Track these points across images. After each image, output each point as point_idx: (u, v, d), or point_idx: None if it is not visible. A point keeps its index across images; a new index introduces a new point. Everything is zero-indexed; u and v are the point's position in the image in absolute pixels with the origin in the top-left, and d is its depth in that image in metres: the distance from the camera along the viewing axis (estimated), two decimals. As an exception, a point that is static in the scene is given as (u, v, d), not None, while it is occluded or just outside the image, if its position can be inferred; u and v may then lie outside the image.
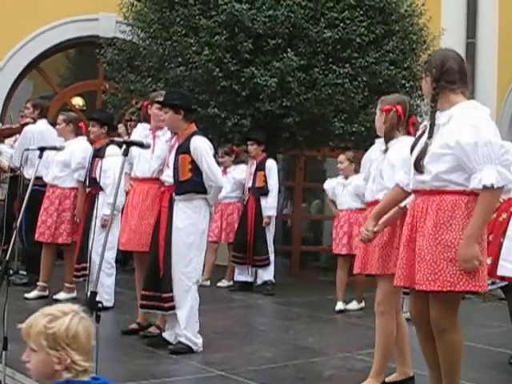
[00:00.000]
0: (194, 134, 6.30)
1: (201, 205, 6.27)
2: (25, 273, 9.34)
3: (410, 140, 5.16)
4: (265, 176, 9.94)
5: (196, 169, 6.20)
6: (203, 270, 10.08)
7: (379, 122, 5.32)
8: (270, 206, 9.93)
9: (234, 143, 10.61)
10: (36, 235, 8.44)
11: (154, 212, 6.64)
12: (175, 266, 6.21)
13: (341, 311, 8.63)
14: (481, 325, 7.68)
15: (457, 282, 4.15)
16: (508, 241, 6.02)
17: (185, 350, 6.21)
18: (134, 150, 6.73)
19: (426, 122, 4.53)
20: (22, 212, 6.46)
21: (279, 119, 10.23)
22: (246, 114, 10.17)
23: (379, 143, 5.39)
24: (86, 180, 8.18)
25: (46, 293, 8.46)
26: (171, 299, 6.25)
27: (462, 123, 4.22)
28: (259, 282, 10.00)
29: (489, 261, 6.01)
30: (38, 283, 8.51)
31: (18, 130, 9.55)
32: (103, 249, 4.52)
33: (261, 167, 9.99)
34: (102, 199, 7.64)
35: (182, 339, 6.26)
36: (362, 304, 8.78)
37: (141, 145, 5.22)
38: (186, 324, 6.23)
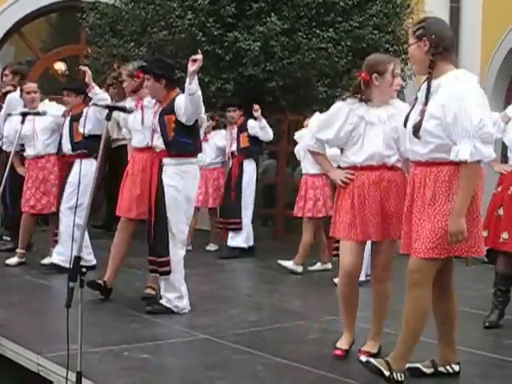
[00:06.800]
0: (177, 95, 6.33)
1: (189, 170, 6.31)
2: (9, 239, 9.31)
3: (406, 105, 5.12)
4: (248, 136, 9.94)
5: (179, 128, 6.23)
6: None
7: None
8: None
9: (218, 108, 10.58)
10: (38, 208, 8.35)
11: (148, 179, 6.63)
12: (161, 226, 6.24)
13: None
14: (464, 288, 7.71)
15: (453, 249, 4.34)
16: None
17: (162, 311, 6.28)
18: (129, 120, 6.92)
19: (416, 94, 4.58)
20: (4, 178, 6.45)
21: (263, 83, 10.20)
22: (229, 79, 10.14)
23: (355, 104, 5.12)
24: (60, 147, 8.13)
25: (24, 259, 8.44)
26: (166, 263, 6.28)
27: (447, 95, 4.30)
28: (234, 245, 9.96)
29: (505, 235, 6.05)
30: (17, 250, 8.50)
31: (0, 99, 9.45)
32: (86, 214, 4.50)
33: (243, 129, 9.98)
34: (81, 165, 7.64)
35: (163, 301, 6.34)
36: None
37: (123, 109, 5.21)
38: (166, 286, 6.32)
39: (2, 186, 6.33)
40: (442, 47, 4.41)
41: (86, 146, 7.77)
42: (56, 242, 7.97)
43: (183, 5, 9.95)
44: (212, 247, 10.54)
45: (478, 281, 8.14)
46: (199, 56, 5.92)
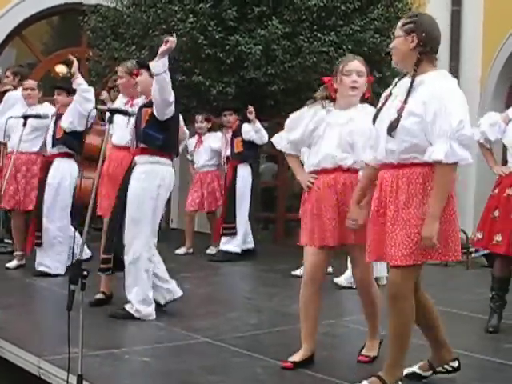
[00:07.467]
0: None
1: (157, 171, 6.15)
2: (10, 241, 9.31)
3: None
4: (242, 141, 9.84)
5: (152, 121, 6.10)
6: (185, 240, 10.28)
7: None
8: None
9: (219, 111, 10.59)
10: (11, 203, 8.34)
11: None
12: (127, 228, 6.15)
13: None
14: (464, 291, 7.75)
15: (429, 254, 4.20)
16: None
17: (125, 316, 6.16)
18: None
19: (389, 89, 4.48)
20: (5, 180, 6.47)
21: (264, 87, 10.22)
22: (230, 82, 10.16)
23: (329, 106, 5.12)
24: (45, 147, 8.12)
25: (24, 261, 8.44)
26: (107, 261, 6.28)
27: (429, 92, 4.19)
28: (226, 249, 9.90)
29: (499, 237, 6.05)
30: (14, 253, 8.50)
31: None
32: (88, 218, 4.50)
33: (237, 134, 9.91)
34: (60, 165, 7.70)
35: (127, 306, 6.22)
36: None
37: (125, 113, 5.22)
38: (129, 290, 6.21)
39: (3, 188, 6.34)
40: (430, 47, 4.33)
41: (65, 141, 7.78)
42: (37, 245, 7.96)
43: (185, 8, 9.97)
44: (213, 250, 10.50)
45: (477, 284, 8.13)
46: (172, 38, 5.80)
